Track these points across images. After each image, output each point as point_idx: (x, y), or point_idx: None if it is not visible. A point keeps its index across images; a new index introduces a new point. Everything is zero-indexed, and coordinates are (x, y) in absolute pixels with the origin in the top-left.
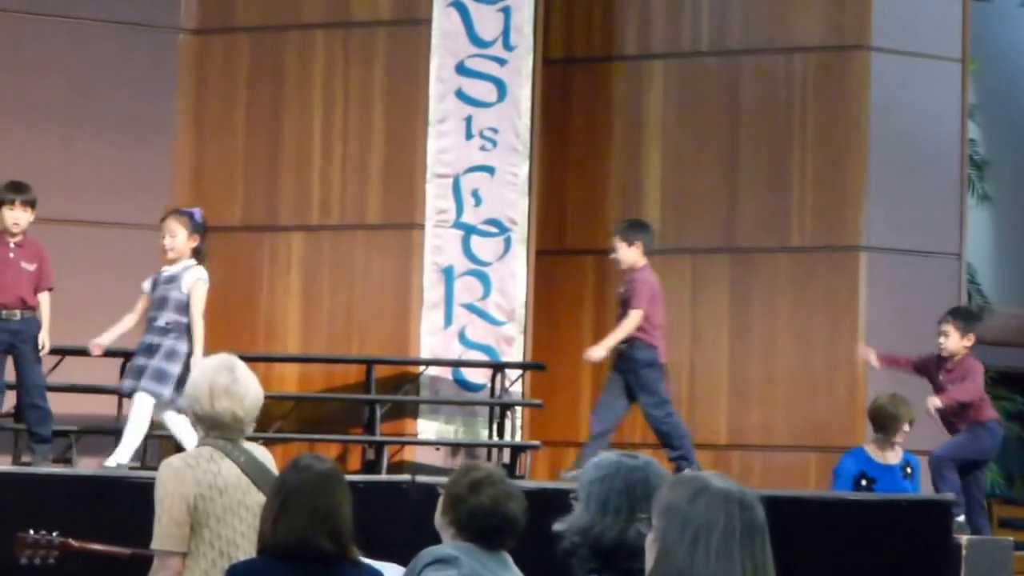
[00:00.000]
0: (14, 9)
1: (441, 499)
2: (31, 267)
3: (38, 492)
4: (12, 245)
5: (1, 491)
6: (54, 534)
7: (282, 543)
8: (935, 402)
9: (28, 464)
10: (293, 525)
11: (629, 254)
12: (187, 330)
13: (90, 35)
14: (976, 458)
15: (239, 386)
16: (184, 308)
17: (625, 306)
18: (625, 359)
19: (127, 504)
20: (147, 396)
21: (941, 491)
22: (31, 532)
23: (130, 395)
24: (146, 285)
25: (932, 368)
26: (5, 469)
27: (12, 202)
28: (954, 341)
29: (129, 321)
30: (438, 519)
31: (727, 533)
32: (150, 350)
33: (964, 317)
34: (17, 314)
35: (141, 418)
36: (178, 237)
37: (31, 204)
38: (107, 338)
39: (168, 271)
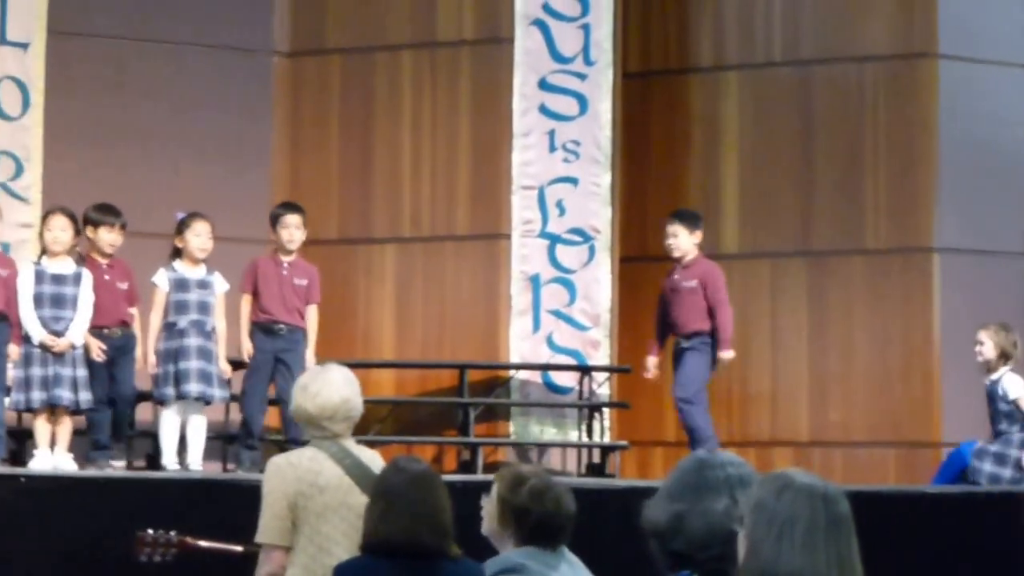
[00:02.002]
0: (118, 35)
1: (495, 509)
2: (124, 286)
3: (154, 494)
4: (105, 266)
5: (119, 493)
6: (171, 533)
7: (386, 540)
8: None
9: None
10: (398, 523)
11: (690, 241)
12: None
13: (190, 59)
14: None
15: (314, 385)
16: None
17: (694, 296)
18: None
19: (237, 504)
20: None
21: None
22: (149, 531)
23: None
24: (164, 284)
25: None
26: (121, 474)
27: (112, 224)
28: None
29: (157, 322)
30: (494, 528)
31: (811, 527)
32: (207, 355)
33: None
34: (117, 332)
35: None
36: (211, 240)
37: (125, 227)
38: (151, 351)
39: (194, 274)
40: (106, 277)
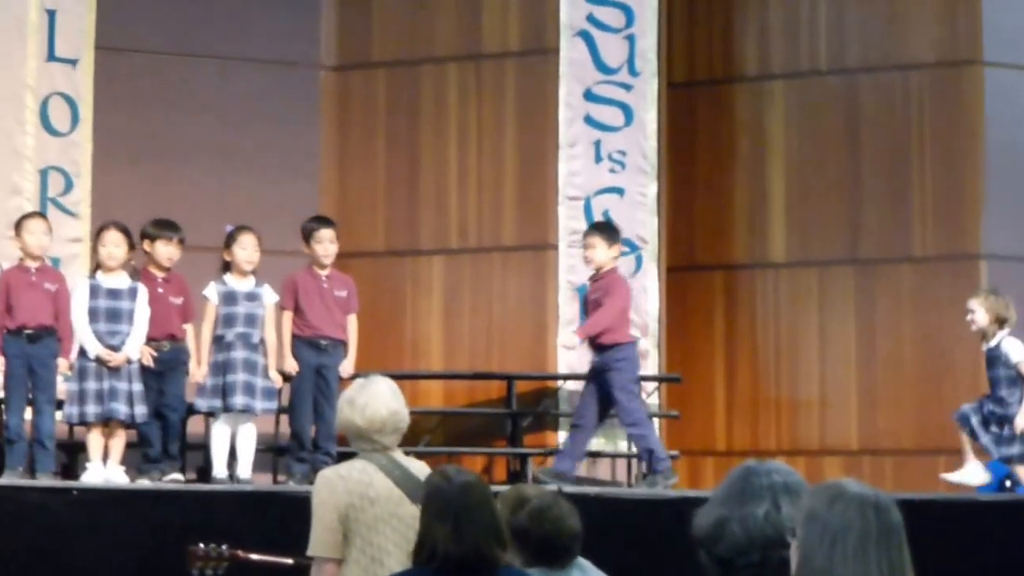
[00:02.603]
0: (165, 51)
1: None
2: (178, 301)
3: (205, 507)
4: (160, 280)
5: (171, 506)
6: (223, 546)
7: (438, 551)
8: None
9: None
10: (450, 534)
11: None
12: None
13: (237, 74)
14: None
15: (361, 397)
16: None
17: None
18: None
19: (289, 517)
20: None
21: None
22: (201, 545)
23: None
24: (214, 297)
25: None
26: (173, 486)
27: (170, 239)
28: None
29: (208, 335)
30: None
31: (863, 536)
32: (253, 367)
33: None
34: (166, 345)
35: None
36: (257, 253)
37: (183, 241)
38: (203, 364)
39: (243, 287)
40: (160, 290)
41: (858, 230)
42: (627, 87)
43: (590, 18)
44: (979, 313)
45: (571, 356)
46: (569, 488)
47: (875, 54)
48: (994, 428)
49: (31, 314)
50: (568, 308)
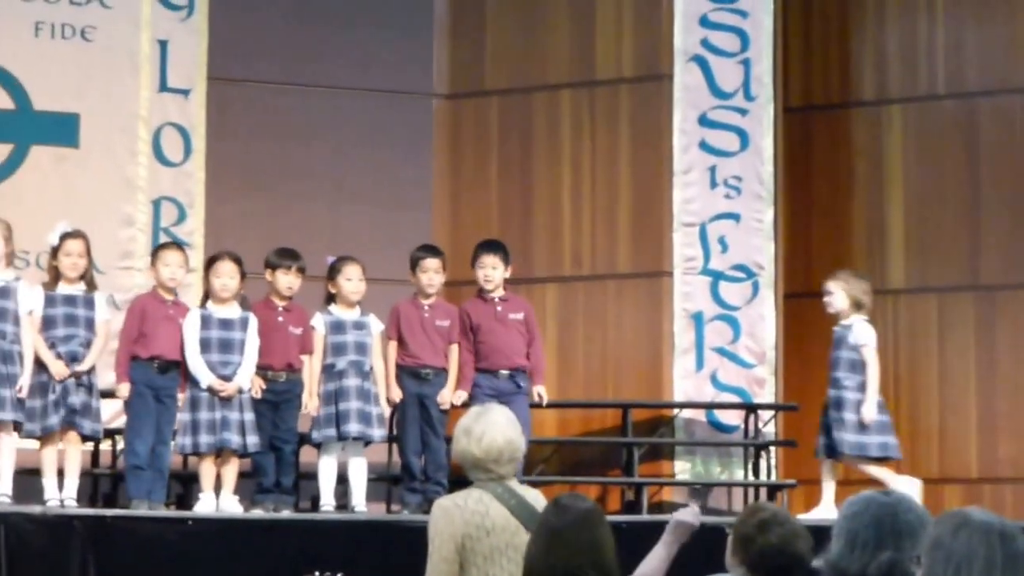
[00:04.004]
0: (277, 80)
1: (730, 540)
2: (298, 331)
3: (319, 536)
4: (280, 309)
5: (285, 536)
6: (338, 575)
7: (528, 569)
8: None
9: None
10: (557, 557)
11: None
12: None
13: (350, 103)
14: None
15: (478, 427)
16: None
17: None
18: None
19: (402, 546)
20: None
21: None
22: (316, 573)
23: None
24: (321, 327)
25: None
26: (287, 516)
27: (288, 267)
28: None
29: (318, 365)
30: (729, 559)
31: (988, 564)
32: (366, 395)
33: None
34: (282, 376)
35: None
36: (363, 283)
37: (303, 271)
38: (314, 394)
39: (350, 316)
40: (280, 319)
41: (978, 255)
42: (743, 112)
43: (704, 43)
44: (837, 296)
45: (687, 384)
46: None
47: (994, 77)
48: (832, 412)
49: (166, 346)
50: (684, 336)
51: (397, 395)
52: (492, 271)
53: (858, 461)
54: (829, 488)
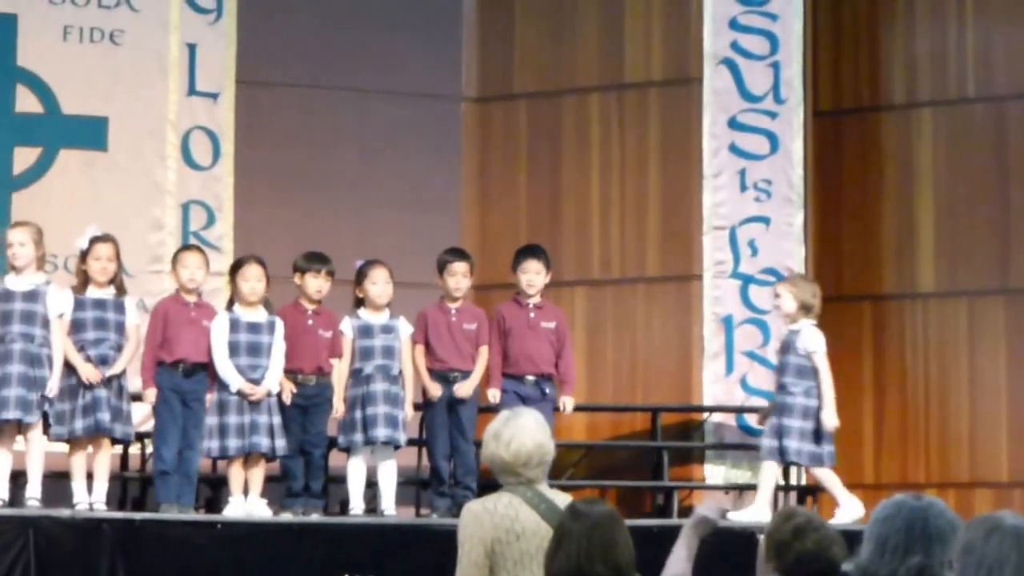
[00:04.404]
0: (306, 84)
1: (763, 545)
2: (327, 334)
3: (349, 540)
4: (310, 312)
5: (315, 540)
6: None
7: (547, 570)
8: None
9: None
10: (570, 559)
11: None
12: None
13: (378, 106)
14: None
15: (507, 431)
16: None
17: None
18: None
19: (432, 550)
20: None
21: None
22: None
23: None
24: (349, 331)
25: None
26: (316, 520)
27: (318, 271)
28: None
29: (346, 369)
30: (761, 565)
31: (1019, 568)
32: (394, 399)
33: None
34: (312, 379)
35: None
36: (390, 286)
37: (332, 274)
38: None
39: (378, 320)
40: (309, 323)
41: (1008, 258)
42: (772, 115)
43: (734, 46)
44: (785, 299)
45: (717, 388)
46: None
47: None
48: (782, 419)
49: (191, 349)
50: (713, 340)
51: (437, 391)
52: (535, 276)
53: (810, 468)
54: (766, 490)
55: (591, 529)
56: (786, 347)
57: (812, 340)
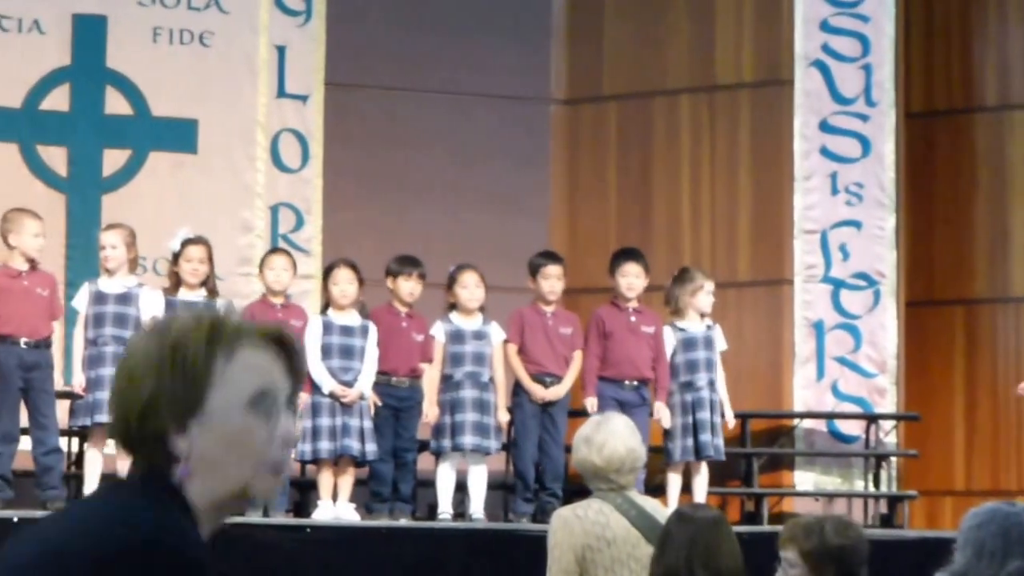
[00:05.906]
0: (395, 86)
1: (799, 562)
2: (419, 338)
3: (437, 545)
4: (403, 315)
5: (403, 544)
6: None
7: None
8: None
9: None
10: (669, 558)
11: None
12: None
13: (467, 109)
14: None
15: (599, 436)
16: None
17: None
18: None
19: (520, 556)
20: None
21: None
22: None
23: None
24: (441, 336)
25: None
26: (405, 524)
27: (410, 274)
28: None
29: (437, 374)
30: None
31: None
32: (483, 406)
33: None
34: (405, 382)
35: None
36: (480, 289)
37: (424, 277)
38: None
39: (470, 325)
40: (403, 325)
41: None
42: (864, 118)
43: (825, 48)
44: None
45: (807, 394)
46: None
47: None
48: (700, 414)
49: None
50: (804, 345)
51: (540, 392)
52: (635, 280)
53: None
54: (675, 490)
55: (695, 534)
56: (706, 343)
57: (723, 339)
